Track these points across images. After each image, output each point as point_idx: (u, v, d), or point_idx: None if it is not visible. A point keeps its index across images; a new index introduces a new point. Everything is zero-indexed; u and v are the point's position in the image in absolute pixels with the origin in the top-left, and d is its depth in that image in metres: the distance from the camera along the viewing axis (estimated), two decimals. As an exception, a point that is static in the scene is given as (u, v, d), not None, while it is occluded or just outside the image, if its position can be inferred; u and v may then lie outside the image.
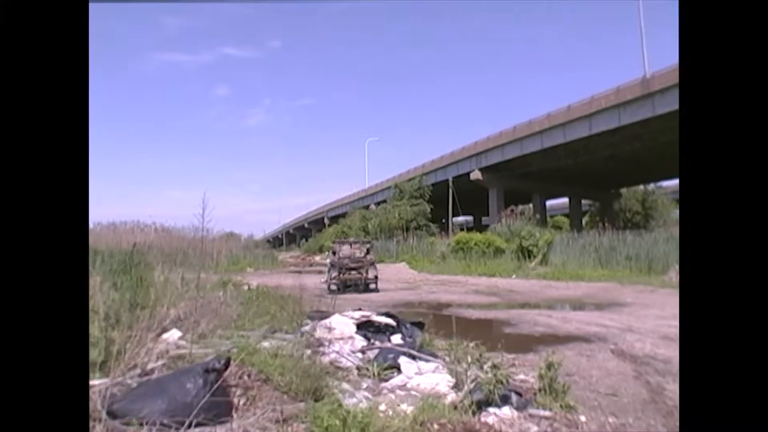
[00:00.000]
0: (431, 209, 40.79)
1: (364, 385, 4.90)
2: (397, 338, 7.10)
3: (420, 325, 7.77)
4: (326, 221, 64.46)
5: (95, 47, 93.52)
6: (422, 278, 20.10)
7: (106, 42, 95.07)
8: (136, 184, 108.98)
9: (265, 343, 5.81)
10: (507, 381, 4.19)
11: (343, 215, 54.08)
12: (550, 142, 32.43)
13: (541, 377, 4.49)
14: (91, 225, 35.12)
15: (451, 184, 40.38)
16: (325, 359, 5.43)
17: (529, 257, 20.79)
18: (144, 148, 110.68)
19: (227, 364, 4.20)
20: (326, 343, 5.82)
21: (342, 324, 7.06)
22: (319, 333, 6.87)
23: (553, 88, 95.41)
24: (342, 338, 6.70)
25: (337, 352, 5.53)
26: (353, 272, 15.48)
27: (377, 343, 6.79)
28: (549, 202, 48.99)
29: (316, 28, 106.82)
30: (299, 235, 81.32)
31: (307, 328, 7.14)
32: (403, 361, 5.41)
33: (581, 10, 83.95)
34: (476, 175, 39.71)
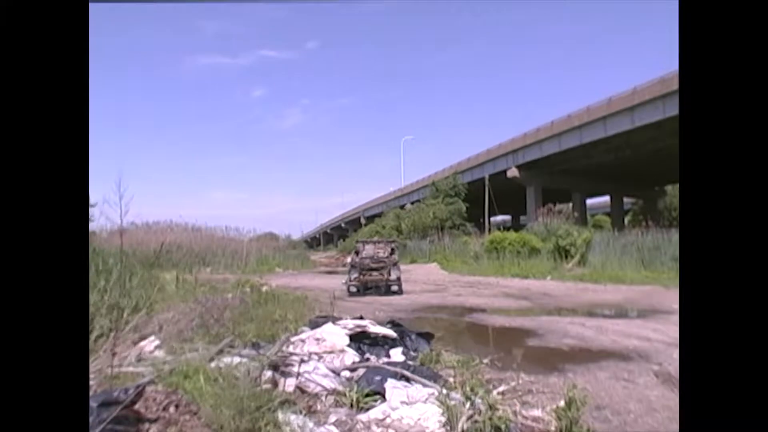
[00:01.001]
0: (467, 208, 39.38)
1: (333, 418, 3.85)
2: (397, 352, 6.05)
3: (427, 337, 6.69)
4: (362, 221, 63.75)
5: (136, 52, 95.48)
6: (452, 279, 18.92)
7: (147, 47, 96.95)
8: (179, 185, 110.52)
9: (225, 360, 4.83)
10: (507, 427, 3.07)
11: (380, 215, 53.14)
12: (590, 136, 30.69)
13: (558, 417, 3.36)
14: (125, 225, 35.24)
15: (487, 182, 38.91)
16: (292, 381, 4.41)
17: (566, 258, 19.34)
18: (186, 150, 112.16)
19: (140, 393, 3.22)
20: (304, 359, 4.78)
21: (333, 335, 6.05)
22: (308, 345, 5.91)
23: (594, 82, 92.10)
24: (332, 351, 5.71)
25: (308, 373, 4.48)
26: (374, 273, 14.43)
27: (372, 359, 5.77)
28: (589, 201, 46.91)
29: (352, 28, 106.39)
30: (337, 234, 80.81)
31: (296, 337, 6.19)
32: (390, 385, 4.32)
33: (622, 4, 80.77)
34: (513, 172, 38.18)
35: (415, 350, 6.18)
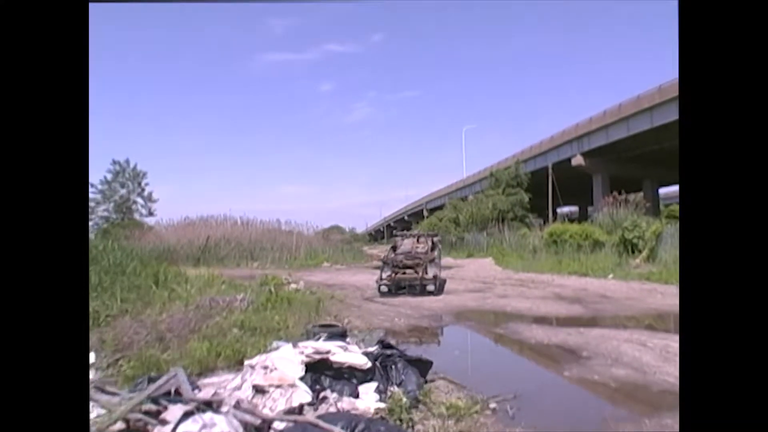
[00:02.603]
0: (530, 199, 36.80)
1: None
2: (369, 390, 4.43)
3: (421, 366, 5.00)
4: (425, 213, 61.94)
5: (207, 51, 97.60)
6: (503, 277, 16.93)
7: (218, 46, 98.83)
8: (251, 180, 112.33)
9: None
10: None
11: (441, 207, 51.18)
12: (662, 119, 27.44)
13: None
14: (179, 219, 35.44)
15: (550, 171, 36.20)
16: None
17: (633, 252, 16.85)
18: (257, 146, 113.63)
19: None
20: (196, 408, 3.18)
21: (286, 363, 4.49)
22: (255, 375, 4.39)
23: (666, 62, 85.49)
24: (280, 385, 4.18)
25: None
26: (408, 271, 12.72)
27: (332, 398, 4.20)
28: (663, 190, 42.85)
29: (417, 20, 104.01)
30: (400, 227, 79.28)
31: (249, 362, 4.71)
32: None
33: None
34: (578, 160, 35.28)
35: (399, 384, 4.52)
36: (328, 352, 4.64)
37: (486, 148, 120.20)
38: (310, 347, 4.75)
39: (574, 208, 52.75)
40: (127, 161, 41.35)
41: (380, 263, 13.48)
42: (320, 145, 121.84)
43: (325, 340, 5.47)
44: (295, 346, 4.79)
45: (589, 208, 45.23)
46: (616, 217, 21.29)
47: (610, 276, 14.21)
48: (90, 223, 40.18)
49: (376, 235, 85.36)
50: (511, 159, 41.74)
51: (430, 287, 12.25)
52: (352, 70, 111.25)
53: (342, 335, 7.55)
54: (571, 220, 32.02)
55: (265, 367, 4.49)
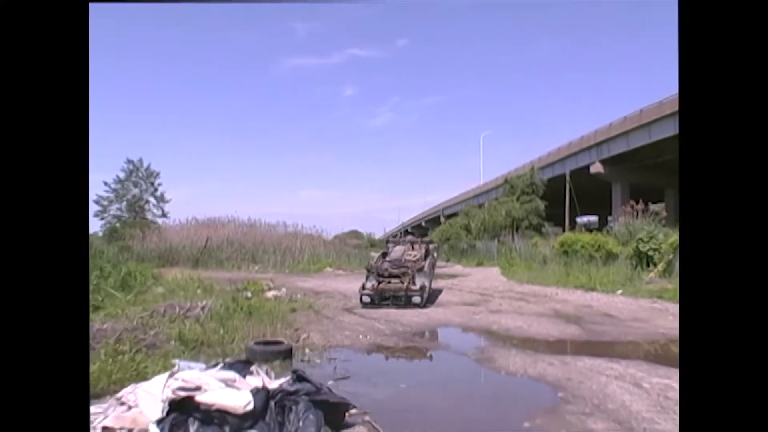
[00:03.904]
0: (546, 207, 35.23)
1: None
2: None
3: (334, 408, 3.85)
4: (442, 219, 60.65)
5: (230, 55, 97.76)
6: (505, 288, 15.60)
7: (241, 49, 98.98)
8: (272, 184, 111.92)
9: None
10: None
11: (458, 213, 49.80)
12: (686, 125, 25.76)
13: None
14: (185, 220, 34.71)
15: (568, 178, 34.64)
16: None
17: (648, 265, 15.38)
18: (278, 149, 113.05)
19: None
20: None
21: (151, 399, 3.38)
22: (112, 413, 3.33)
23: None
24: (132, 430, 3.11)
25: None
26: (395, 280, 11.50)
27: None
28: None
29: (442, 25, 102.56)
30: (418, 233, 78.04)
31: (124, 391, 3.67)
32: None
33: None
34: (597, 167, 33.66)
35: (294, 434, 3.38)
36: (197, 389, 3.48)
37: (507, 156, 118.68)
38: (181, 380, 3.60)
39: (594, 218, 50.84)
40: (140, 161, 40.90)
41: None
42: (342, 150, 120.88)
43: (227, 366, 4.32)
44: (172, 376, 3.66)
45: (609, 218, 43.39)
46: (632, 227, 19.78)
47: (619, 292, 12.77)
48: (102, 222, 39.84)
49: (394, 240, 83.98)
50: (528, 166, 40.16)
51: (416, 299, 11.01)
52: (375, 74, 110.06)
53: (286, 353, 6.44)
54: (590, 230, 30.39)
55: (123, 404, 3.40)
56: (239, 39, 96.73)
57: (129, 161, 40.67)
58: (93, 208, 39.42)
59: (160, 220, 38.52)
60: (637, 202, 20.96)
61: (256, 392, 3.63)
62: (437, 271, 25.06)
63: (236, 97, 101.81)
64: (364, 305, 11.14)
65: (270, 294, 12.54)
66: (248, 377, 4.12)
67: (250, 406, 3.40)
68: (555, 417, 4.13)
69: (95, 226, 39.93)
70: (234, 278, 16.56)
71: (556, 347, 7.11)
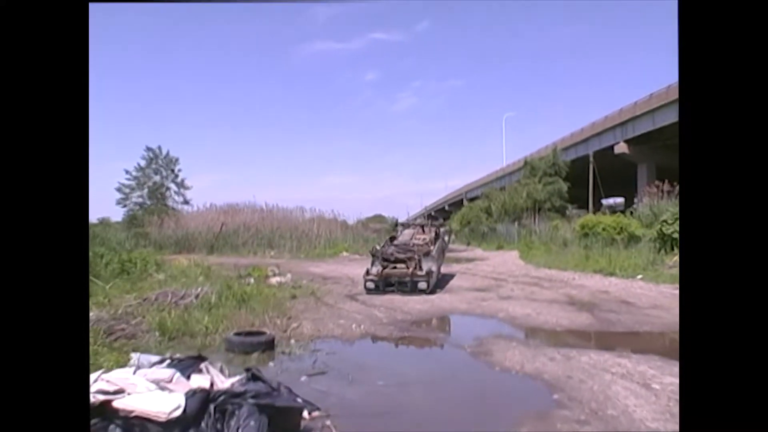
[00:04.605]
0: (569, 188, 34.14)
1: None
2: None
3: (285, 414, 3.34)
4: (465, 202, 59.68)
5: (250, 42, 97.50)
6: (521, 273, 14.93)
7: (262, 36, 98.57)
8: (296, 170, 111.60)
9: None
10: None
11: (480, 197, 48.84)
12: (716, 101, 24.46)
13: None
14: (203, 206, 34.64)
15: (591, 159, 33.47)
16: None
17: (672, 249, 14.50)
18: (300, 135, 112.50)
19: None
20: None
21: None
22: None
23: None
24: None
25: None
26: (400, 266, 10.94)
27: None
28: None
29: (463, 8, 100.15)
30: (441, 217, 77.16)
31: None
32: None
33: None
34: (621, 148, 32.33)
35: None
36: (119, 392, 3.00)
37: (532, 139, 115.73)
38: (105, 380, 3.14)
39: (620, 200, 49.38)
40: (159, 148, 40.74)
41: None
42: (365, 136, 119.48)
43: (176, 362, 3.87)
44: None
45: (635, 200, 42.02)
46: (656, 208, 18.82)
47: (639, 277, 12.02)
48: (125, 209, 40.06)
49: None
50: (550, 147, 38.90)
51: (422, 284, 10.45)
52: (397, 59, 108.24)
53: (267, 345, 6.00)
54: (616, 212, 29.33)
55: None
56: (259, 25, 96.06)
57: (148, 149, 40.63)
58: (115, 196, 39.71)
59: (181, 207, 38.50)
60: (663, 182, 19.91)
61: (191, 395, 3.14)
62: (455, 255, 24.55)
63: (259, 84, 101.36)
64: (369, 292, 10.63)
65: (274, 280, 12.13)
66: (194, 376, 3.64)
67: (178, 412, 2.92)
68: (544, 424, 3.55)
69: (118, 214, 40.31)
70: (246, 264, 16.24)
71: (562, 339, 6.49)
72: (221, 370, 4.09)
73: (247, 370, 3.85)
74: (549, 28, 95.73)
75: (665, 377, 4.53)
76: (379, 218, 63.96)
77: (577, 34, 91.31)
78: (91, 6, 2.07)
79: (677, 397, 3.99)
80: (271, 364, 5.43)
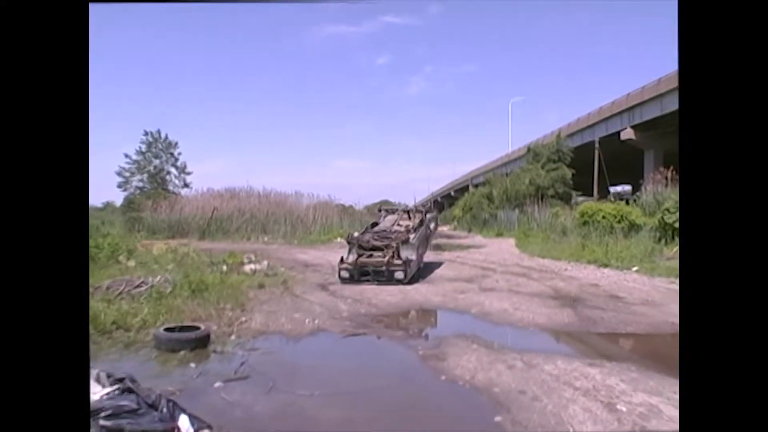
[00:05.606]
0: (573, 175, 33.12)
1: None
2: None
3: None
4: (470, 188, 58.83)
5: (262, 25, 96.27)
6: (513, 261, 14.18)
7: (273, 20, 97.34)
8: (305, 154, 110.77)
9: None
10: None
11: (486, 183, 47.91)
12: (727, 85, 23.32)
13: None
14: (202, 191, 34.05)
15: (597, 145, 32.39)
16: None
17: (674, 238, 13.67)
18: (311, 120, 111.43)
19: None
20: None
21: None
22: None
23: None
24: None
25: None
26: (377, 254, 10.22)
27: None
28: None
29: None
30: (447, 203, 76.18)
31: None
32: None
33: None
34: (628, 133, 31.21)
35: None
36: None
37: (543, 125, 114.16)
38: None
39: (628, 187, 48.22)
40: (159, 131, 40.05)
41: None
42: (375, 120, 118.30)
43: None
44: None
45: (642, 188, 40.91)
46: (660, 196, 17.92)
47: (634, 269, 11.18)
48: (126, 193, 39.56)
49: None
50: (555, 133, 37.78)
51: (399, 274, 9.73)
52: (409, 43, 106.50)
53: (199, 342, 5.39)
54: (622, 200, 28.36)
55: None
56: (270, 9, 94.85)
57: (147, 132, 39.93)
58: (115, 180, 39.20)
59: (182, 191, 37.92)
60: (668, 169, 18.97)
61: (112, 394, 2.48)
62: (453, 242, 23.81)
63: (268, 68, 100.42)
64: (343, 281, 9.94)
65: (248, 268, 11.45)
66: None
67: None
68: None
69: (120, 197, 39.88)
70: (232, 249, 15.59)
71: (532, 340, 5.76)
72: (98, 379, 3.40)
73: (120, 380, 3.18)
74: (563, 14, 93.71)
75: (636, 395, 3.79)
76: (386, 204, 63.35)
77: (591, 19, 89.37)
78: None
79: (646, 422, 3.27)
80: (192, 365, 4.76)
